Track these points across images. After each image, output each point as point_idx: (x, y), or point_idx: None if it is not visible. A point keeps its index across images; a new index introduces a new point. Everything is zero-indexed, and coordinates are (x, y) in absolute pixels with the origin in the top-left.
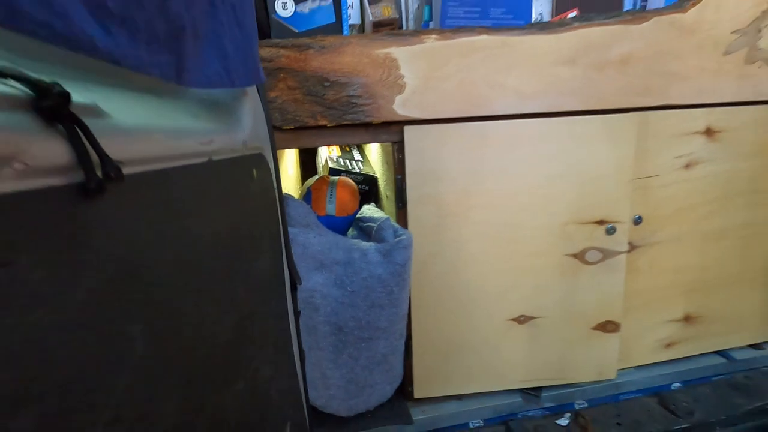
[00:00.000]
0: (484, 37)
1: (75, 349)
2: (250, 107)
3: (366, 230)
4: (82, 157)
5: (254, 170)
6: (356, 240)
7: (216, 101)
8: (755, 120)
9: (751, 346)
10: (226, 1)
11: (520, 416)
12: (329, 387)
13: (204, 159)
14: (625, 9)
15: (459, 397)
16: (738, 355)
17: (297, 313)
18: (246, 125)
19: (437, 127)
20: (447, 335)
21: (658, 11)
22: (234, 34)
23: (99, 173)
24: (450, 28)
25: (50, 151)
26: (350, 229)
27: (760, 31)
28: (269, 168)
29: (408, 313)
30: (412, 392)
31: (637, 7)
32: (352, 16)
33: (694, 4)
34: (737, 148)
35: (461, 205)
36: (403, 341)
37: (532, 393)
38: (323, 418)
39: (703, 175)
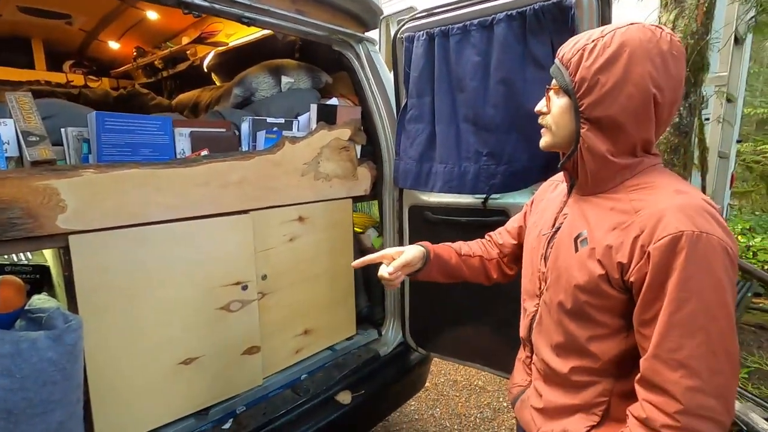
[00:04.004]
0: (135, 170)
1: None
2: None
3: (36, 320)
4: None
5: None
6: (24, 332)
7: None
8: (325, 210)
9: (346, 339)
10: None
11: None
12: None
13: None
14: (243, 150)
15: None
16: (338, 347)
17: None
18: None
19: (102, 234)
20: (126, 388)
21: (259, 152)
22: None
23: None
24: (106, 163)
25: None
26: (18, 321)
27: (318, 162)
28: None
29: (84, 380)
30: None
31: (249, 148)
32: (9, 150)
33: (279, 149)
34: (318, 227)
35: (131, 287)
36: (80, 405)
37: (202, 413)
38: None
39: (301, 245)
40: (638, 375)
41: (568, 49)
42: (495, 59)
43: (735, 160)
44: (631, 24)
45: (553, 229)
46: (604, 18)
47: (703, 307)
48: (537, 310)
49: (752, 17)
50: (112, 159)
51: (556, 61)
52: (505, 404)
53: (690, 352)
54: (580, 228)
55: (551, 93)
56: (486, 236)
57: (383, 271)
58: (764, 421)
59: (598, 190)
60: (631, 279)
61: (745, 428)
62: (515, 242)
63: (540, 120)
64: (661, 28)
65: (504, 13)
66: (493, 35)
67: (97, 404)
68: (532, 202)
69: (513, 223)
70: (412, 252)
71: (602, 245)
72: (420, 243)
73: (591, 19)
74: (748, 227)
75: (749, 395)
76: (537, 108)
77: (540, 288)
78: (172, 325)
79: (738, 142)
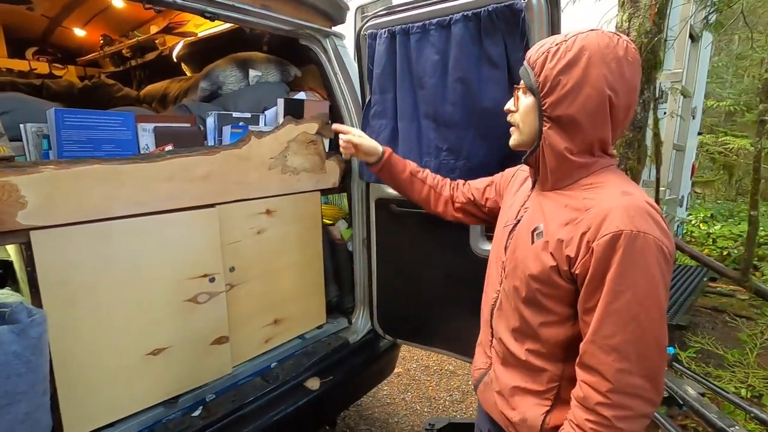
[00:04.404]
0: (97, 166)
1: None
2: None
3: (0, 315)
4: None
5: None
6: None
7: None
8: (293, 203)
9: (316, 328)
10: None
11: (164, 421)
12: None
13: None
14: (208, 144)
15: (111, 425)
16: (308, 335)
17: None
18: None
19: (65, 229)
20: (94, 379)
21: (225, 147)
22: None
23: None
24: (67, 159)
25: None
26: None
27: (286, 156)
28: None
29: (51, 372)
30: None
31: (216, 143)
32: None
33: (245, 144)
34: (286, 220)
35: (95, 282)
36: (47, 397)
37: (171, 401)
38: None
39: (269, 237)
40: (578, 358)
41: (534, 51)
42: (452, 58)
43: (697, 152)
44: (592, 30)
45: (515, 221)
46: (553, 20)
47: (636, 299)
48: (498, 296)
49: (705, 17)
50: (74, 155)
51: (525, 62)
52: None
53: (622, 338)
54: (537, 222)
55: (519, 92)
56: (462, 181)
57: (341, 139)
58: (700, 396)
59: (557, 187)
60: (577, 271)
61: (682, 402)
62: (471, 197)
63: (509, 118)
64: (618, 35)
65: (460, 13)
66: (450, 35)
67: (64, 395)
68: (504, 179)
69: (479, 183)
70: (368, 142)
71: (555, 239)
72: (385, 147)
73: (541, 21)
74: (709, 215)
75: (690, 373)
76: (506, 107)
77: (501, 276)
78: (138, 317)
79: (699, 134)
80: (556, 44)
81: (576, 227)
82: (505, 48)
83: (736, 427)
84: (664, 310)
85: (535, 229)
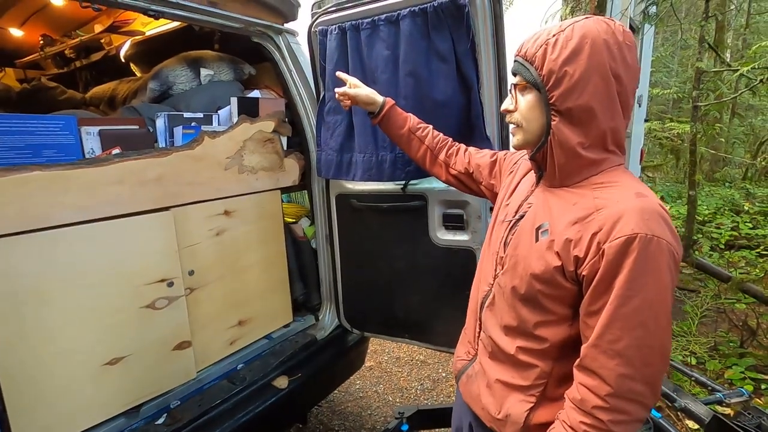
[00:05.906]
0: (37, 172)
1: None
2: None
3: None
4: None
5: None
6: None
7: None
8: (252, 203)
9: (283, 327)
10: None
11: (126, 431)
12: None
13: None
14: (159, 146)
15: None
16: (275, 335)
17: None
18: None
19: (7, 239)
20: (46, 392)
21: (177, 148)
22: None
23: None
24: (4, 166)
25: None
26: None
27: (242, 156)
28: None
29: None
30: None
31: (167, 145)
32: None
33: (198, 144)
34: (246, 220)
35: (41, 292)
36: None
37: (132, 411)
38: None
39: (229, 237)
40: (578, 360)
41: (530, 45)
42: (402, 53)
43: (644, 138)
44: (586, 17)
45: (516, 217)
46: (496, 14)
47: (645, 304)
48: (490, 290)
49: (644, 9)
50: (11, 162)
51: (518, 58)
52: (444, 374)
53: (628, 343)
54: (543, 219)
55: (516, 91)
56: (464, 147)
57: (335, 91)
58: None
59: (565, 183)
60: (584, 273)
61: None
62: (469, 169)
63: (507, 119)
64: (613, 20)
65: (408, 9)
66: (399, 30)
67: (14, 411)
68: (508, 162)
69: (481, 159)
70: (365, 92)
71: (562, 238)
72: (387, 98)
73: (484, 15)
74: (660, 197)
75: None
76: (503, 107)
77: (496, 271)
78: (92, 327)
79: (645, 121)
80: (554, 35)
81: (586, 227)
82: (453, 42)
83: (682, 392)
84: (670, 317)
85: (539, 227)
